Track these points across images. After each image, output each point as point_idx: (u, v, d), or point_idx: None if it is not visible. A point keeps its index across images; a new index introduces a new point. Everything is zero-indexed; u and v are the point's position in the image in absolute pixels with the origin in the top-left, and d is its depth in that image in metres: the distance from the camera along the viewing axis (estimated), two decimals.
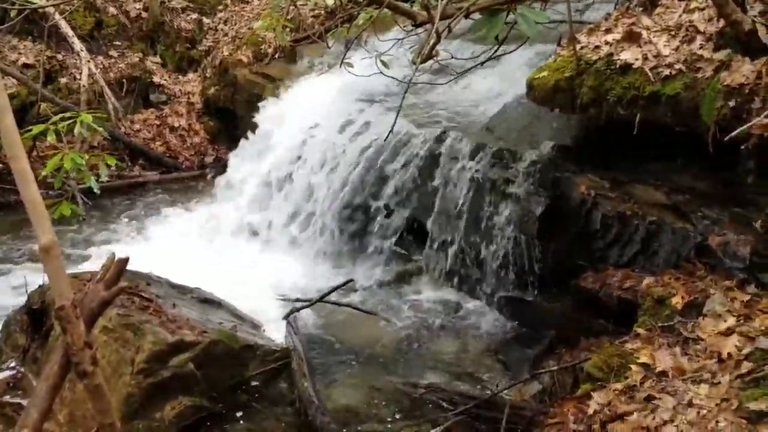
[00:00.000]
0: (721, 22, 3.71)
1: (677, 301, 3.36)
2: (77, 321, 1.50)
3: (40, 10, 7.17)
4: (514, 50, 4.29)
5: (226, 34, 8.79)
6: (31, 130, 3.62)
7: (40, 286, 4.16)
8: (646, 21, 4.05)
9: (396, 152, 5.30)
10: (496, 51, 4.08)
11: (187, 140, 8.16)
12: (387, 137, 3.44)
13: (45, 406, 1.53)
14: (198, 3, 9.26)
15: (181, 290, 4.47)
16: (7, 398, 3.78)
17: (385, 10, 3.48)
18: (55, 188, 4.17)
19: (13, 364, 4.02)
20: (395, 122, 2.92)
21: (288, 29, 7.70)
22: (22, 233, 6.17)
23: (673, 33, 3.92)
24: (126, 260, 1.77)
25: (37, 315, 4.05)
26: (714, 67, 3.69)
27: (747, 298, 3.25)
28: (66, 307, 1.47)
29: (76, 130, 3.82)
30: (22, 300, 4.28)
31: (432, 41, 2.55)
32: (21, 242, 6.05)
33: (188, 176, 7.79)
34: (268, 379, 3.96)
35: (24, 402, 3.74)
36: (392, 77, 4.18)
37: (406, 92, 2.73)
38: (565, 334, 4.32)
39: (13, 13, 6.11)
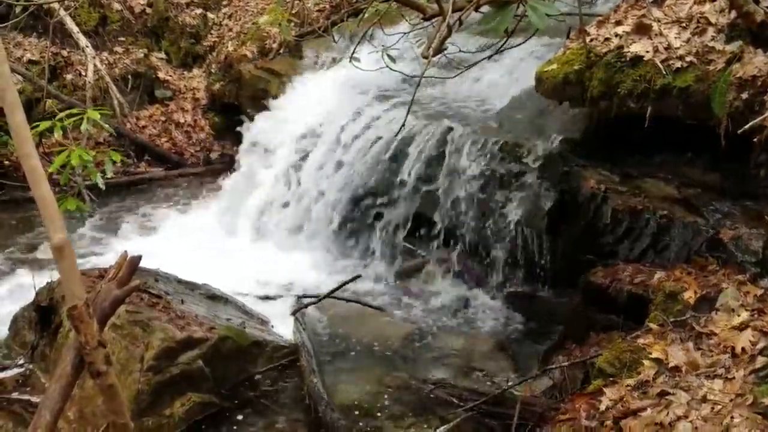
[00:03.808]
0: (733, 14, 3.68)
1: (689, 296, 3.34)
2: (90, 320, 1.48)
3: (45, 6, 7.15)
4: (522, 43, 4.25)
5: (230, 30, 8.76)
6: (37, 127, 3.61)
7: (48, 283, 4.15)
8: (656, 13, 4.02)
9: (403, 147, 5.27)
10: (504, 44, 4.05)
11: (192, 136, 8.13)
12: (398, 132, 3.40)
13: (58, 407, 1.51)
14: None
15: (189, 286, 4.46)
16: (15, 395, 3.78)
17: (393, 3, 3.45)
18: (61, 185, 4.16)
19: (21, 361, 4.02)
20: (407, 117, 2.89)
21: (293, 24, 7.69)
22: (29, 229, 6.16)
23: (684, 25, 3.89)
24: (138, 258, 1.76)
25: (45, 312, 4.04)
26: (726, 59, 3.66)
27: (760, 292, 3.23)
28: (79, 307, 1.45)
29: (82, 127, 3.81)
30: (29, 297, 4.27)
31: (443, 34, 2.52)
32: (27, 238, 6.04)
33: (194, 172, 7.77)
34: (276, 375, 3.96)
35: (32, 399, 3.74)
36: (399, 71, 4.14)
37: (417, 86, 2.71)
38: (574, 329, 4.30)
39: (18, 9, 6.10)
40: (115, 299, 1.66)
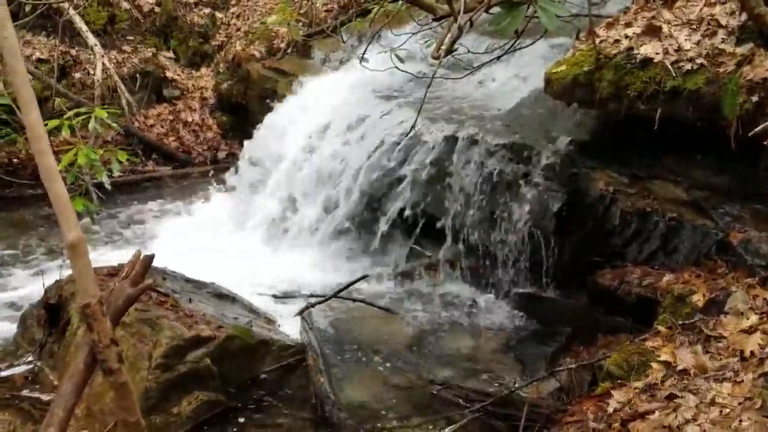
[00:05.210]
0: (744, 16, 3.66)
1: (698, 299, 3.33)
2: (103, 318, 1.49)
3: (55, 5, 7.18)
4: (531, 44, 4.25)
5: (238, 29, 8.78)
6: (46, 125, 3.61)
7: (57, 280, 4.17)
8: (666, 14, 4.01)
9: (411, 147, 5.26)
10: (512, 45, 4.04)
11: (200, 135, 8.15)
12: (408, 132, 3.41)
13: (71, 404, 1.52)
14: None
15: (197, 285, 4.47)
16: (24, 392, 3.79)
17: (402, 3, 3.45)
18: (68, 183, 4.17)
19: (30, 359, 4.03)
20: (417, 117, 2.89)
21: (301, 23, 7.71)
22: (37, 227, 6.19)
23: (694, 27, 3.88)
24: (152, 257, 1.76)
25: (54, 309, 4.06)
26: (736, 61, 3.65)
27: None
28: (93, 305, 1.46)
29: (90, 125, 3.82)
30: (38, 294, 4.29)
31: (454, 35, 2.52)
32: (35, 237, 6.06)
33: (201, 171, 7.79)
34: (283, 374, 3.95)
35: (42, 396, 3.75)
36: (408, 72, 4.14)
37: (429, 87, 2.71)
38: (581, 331, 4.29)
39: (27, 8, 6.13)
40: (128, 298, 1.67)
